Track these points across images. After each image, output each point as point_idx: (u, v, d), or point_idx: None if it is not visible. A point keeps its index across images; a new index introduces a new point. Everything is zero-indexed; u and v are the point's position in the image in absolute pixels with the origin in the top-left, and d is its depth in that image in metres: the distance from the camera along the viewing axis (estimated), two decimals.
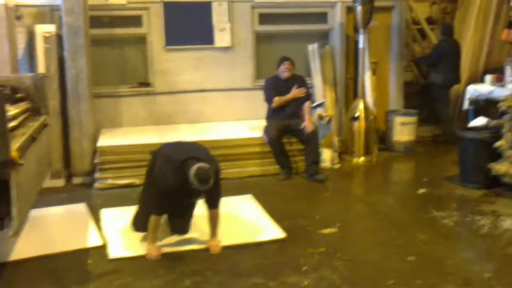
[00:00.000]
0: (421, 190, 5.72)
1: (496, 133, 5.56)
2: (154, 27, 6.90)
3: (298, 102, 6.33)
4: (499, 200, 5.32)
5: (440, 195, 5.58)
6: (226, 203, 5.08)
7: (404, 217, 5.04)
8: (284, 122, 6.24)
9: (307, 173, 6.17)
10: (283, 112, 6.30)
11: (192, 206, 4.40)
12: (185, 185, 3.75)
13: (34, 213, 4.58)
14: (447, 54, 7.58)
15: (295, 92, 6.29)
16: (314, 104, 7.14)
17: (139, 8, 6.83)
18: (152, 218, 4.03)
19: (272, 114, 6.35)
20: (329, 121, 6.88)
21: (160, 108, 7.01)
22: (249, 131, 6.59)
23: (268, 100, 6.34)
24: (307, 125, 6.15)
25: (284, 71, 6.34)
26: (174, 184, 3.82)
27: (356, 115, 6.94)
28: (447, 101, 7.80)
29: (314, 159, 6.18)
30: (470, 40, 8.33)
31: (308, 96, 6.46)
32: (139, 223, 4.31)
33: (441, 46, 7.75)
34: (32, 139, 3.90)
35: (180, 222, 4.40)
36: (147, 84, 7.02)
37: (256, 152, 6.30)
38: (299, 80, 6.46)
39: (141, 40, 6.97)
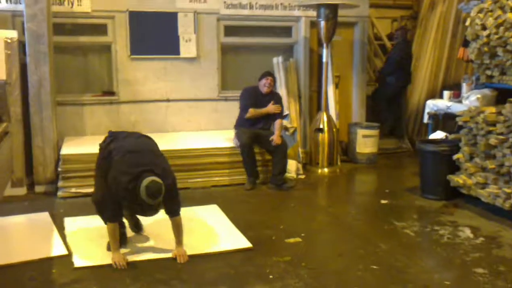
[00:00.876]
0: (383, 201, 5.85)
1: (454, 146, 5.77)
2: (119, 36, 6.85)
3: (270, 118, 6.42)
4: (457, 211, 5.49)
5: (401, 206, 5.71)
6: (192, 213, 5.10)
7: (367, 227, 5.15)
8: (255, 131, 6.31)
9: (274, 183, 6.24)
10: (254, 124, 6.36)
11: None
12: (137, 200, 3.70)
13: None
14: (404, 58, 8.05)
15: (271, 107, 6.38)
16: None
17: (104, 17, 6.78)
18: (109, 226, 3.99)
19: (243, 123, 6.39)
20: (294, 132, 6.98)
21: (124, 117, 6.94)
22: (214, 141, 6.60)
23: (243, 108, 6.39)
24: (276, 139, 6.21)
25: (265, 86, 6.39)
26: (127, 198, 3.78)
27: (320, 127, 7.05)
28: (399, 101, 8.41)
29: (281, 169, 6.26)
30: (429, 57, 8.62)
31: (281, 114, 6.54)
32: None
33: (396, 51, 8.15)
34: None
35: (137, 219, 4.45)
36: (111, 93, 6.95)
37: (221, 162, 6.31)
38: (277, 97, 6.56)
39: (106, 49, 6.92)
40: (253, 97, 6.40)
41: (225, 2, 7.24)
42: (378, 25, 9.51)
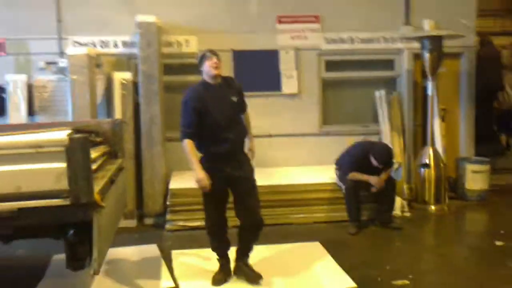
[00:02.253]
0: (498, 243, 5.44)
1: None
2: (223, 74, 7.07)
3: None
4: None
5: None
6: (294, 250, 5.06)
7: (480, 270, 4.79)
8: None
9: (380, 221, 6.03)
10: (361, 168, 5.95)
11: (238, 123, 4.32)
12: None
13: (109, 252, 4.70)
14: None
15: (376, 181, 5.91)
16: None
17: None
18: (186, 141, 4.16)
19: (350, 166, 6.03)
20: (398, 168, 6.76)
21: None
22: (316, 176, 6.56)
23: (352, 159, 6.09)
24: (378, 183, 5.87)
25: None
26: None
27: (426, 162, 6.78)
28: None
29: (389, 206, 6.05)
30: None
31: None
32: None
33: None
34: (111, 181, 4.05)
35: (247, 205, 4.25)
36: None
37: (324, 198, 6.24)
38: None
39: None
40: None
41: (325, 38, 7.29)
42: None
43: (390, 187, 6.03)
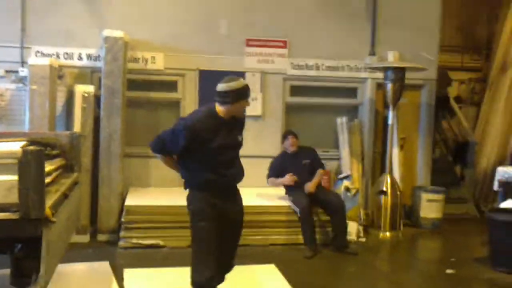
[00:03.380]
0: (449, 271, 5.56)
1: None
2: (188, 93, 7.12)
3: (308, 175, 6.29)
4: None
5: (469, 278, 5.40)
6: (249, 272, 5.04)
7: None
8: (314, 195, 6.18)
9: (335, 245, 6.08)
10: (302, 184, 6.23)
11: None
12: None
13: (58, 268, 4.57)
14: None
15: (287, 180, 6.25)
16: (341, 176, 7.18)
17: (175, 74, 7.10)
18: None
19: (268, 173, 6.43)
20: (356, 193, 6.86)
21: None
22: (274, 198, 6.57)
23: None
24: (308, 187, 6.11)
25: (290, 146, 6.38)
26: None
27: (383, 189, 6.90)
28: None
29: (342, 230, 6.11)
30: (498, 122, 8.35)
31: (322, 165, 6.45)
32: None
33: None
34: (65, 196, 3.97)
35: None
36: None
37: (281, 220, 6.25)
38: (308, 152, 6.48)
39: (175, 104, 7.18)
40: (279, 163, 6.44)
41: (292, 63, 7.40)
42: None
43: (341, 211, 6.12)
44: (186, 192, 3.87)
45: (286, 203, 6.36)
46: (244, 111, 3.89)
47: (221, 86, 3.63)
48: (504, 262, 5.54)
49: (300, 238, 6.13)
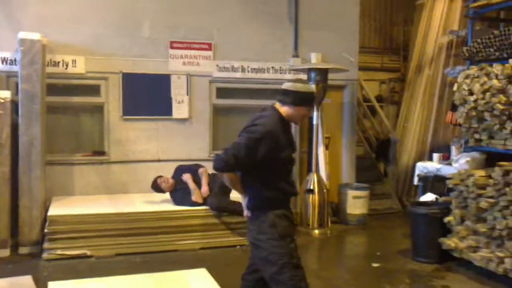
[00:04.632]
0: (375, 265, 5.77)
1: (445, 209, 5.76)
2: (111, 97, 6.94)
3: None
4: (450, 275, 5.42)
5: (393, 270, 5.62)
6: (179, 278, 4.97)
7: None
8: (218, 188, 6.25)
9: None
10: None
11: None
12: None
13: None
14: None
15: (185, 178, 6.37)
16: None
17: (97, 78, 6.89)
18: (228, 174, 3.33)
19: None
20: None
21: (114, 177, 6.92)
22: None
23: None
24: (204, 189, 6.25)
25: (168, 188, 6.41)
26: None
27: (310, 188, 7.04)
28: None
29: None
30: (417, 119, 8.76)
31: (198, 165, 6.56)
32: None
33: None
34: None
35: None
36: (101, 153, 6.95)
37: (210, 223, 6.22)
38: (179, 173, 6.52)
39: (98, 109, 6.98)
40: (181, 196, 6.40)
41: (218, 65, 7.40)
42: (366, 87, 9.73)
43: None
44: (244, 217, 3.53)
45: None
46: (301, 120, 3.58)
47: (286, 85, 3.47)
48: (424, 253, 5.82)
49: (232, 240, 6.14)
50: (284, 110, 3.41)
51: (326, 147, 7.74)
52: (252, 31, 7.53)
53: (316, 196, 7.03)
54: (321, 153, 7.51)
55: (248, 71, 7.57)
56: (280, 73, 7.69)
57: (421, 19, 9.14)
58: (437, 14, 8.82)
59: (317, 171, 7.24)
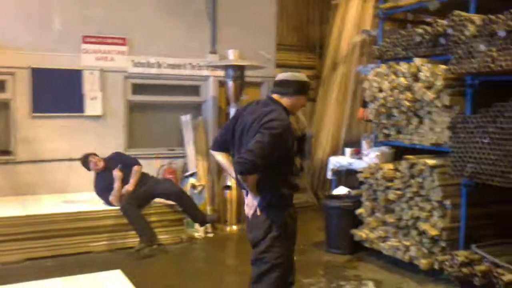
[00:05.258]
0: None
1: (357, 201, 6.00)
2: (19, 93, 6.58)
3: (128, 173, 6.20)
4: (361, 265, 5.65)
5: (308, 262, 5.76)
6: (92, 281, 4.81)
7: None
8: (141, 192, 6.14)
9: (197, 221, 6.30)
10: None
11: None
12: None
13: None
14: None
15: (116, 175, 6.09)
16: (187, 174, 7.20)
17: (3, 73, 6.50)
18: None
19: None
20: (202, 190, 6.94)
21: (21, 178, 6.55)
22: None
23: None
24: (127, 187, 6.07)
25: (96, 165, 6.21)
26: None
27: (228, 184, 7.06)
28: None
29: (192, 207, 6.25)
30: (331, 115, 9.03)
31: (135, 162, 6.31)
32: None
33: None
34: None
35: None
36: (7, 152, 6.57)
37: (126, 223, 6.06)
38: (115, 159, 6.34)
39: (4, 106, 6.59)
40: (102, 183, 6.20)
41: (132, 61, 7.22)
42: None
43: (183, 194, 6.28)
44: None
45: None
46: (299, 110, 3.56)
47: (285, 75, 3.44)
48: (337, 244, 6.03)
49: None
50: (285, 101, 3.39)
51: None
52: (169, 27, 7.41)
53: (234, 192, 7.06)
54: None
55: (165, 67, 7.44)
56: (198, 69, 7.64)
57: (336, 18, 9.42)
58: (351, 14, 9.13)
59: None
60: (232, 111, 7.24)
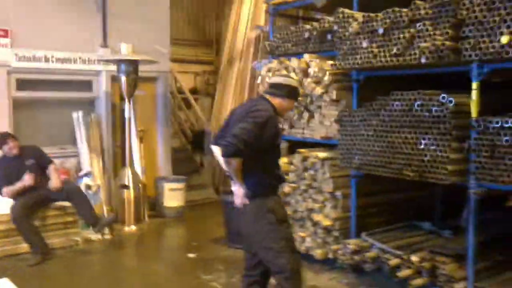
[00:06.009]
0: (191, 255, 5.86)
1: None
2: None
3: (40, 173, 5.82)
4: None
5: (209, 258, 5.76)
6: None
7: (176, 284, 5.10)
8: (35, 196, 5.72)
9: (90, 223, 5.97)
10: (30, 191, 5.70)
11: None
12: None
13: None
14: None
15: (27, 179, 5.64)
16: (81, 174, 6.91)
17: None
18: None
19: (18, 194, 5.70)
20: (97, 190, 6.69)
21: None
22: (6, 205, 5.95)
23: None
24: (54, 184, 5.75)
25: (11, 150, 5.71)
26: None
27: (125, 183, 6.87)
28: None
29: (86, 207, 5.91)
30: (229, 111, 9.07)
31: (50, 161, 5.98)
32: None
33: None
34: None
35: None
36: None
37: (14, 229, 5.69)
38: (31, 152, 5.90)
39: None
40: (3, 169, 5.74)
41: (16, 54, 6.76)
42: (181, 79, 9.79)
43: (78, 193, 5.98)
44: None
45: None
46: (286, 112, 4.08)
47: (279, 79, 3.74)
48: (237, 239, 6.05)
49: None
50: (276, 102, 3.61)
51: (141, 140, 7.62)
52: (56, 18, 7.01)
53: (132, 191, 6.88)
54: (135, 146, 7.38)
55: (53, 61, 7.04)
56: (89, 63, 7.32)
57: (231, 13, 9.46)
58: (246, 9, 9.21)
59: (132, 165, 7.09)
60: (127, 107, 7.04)
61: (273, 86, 3.68)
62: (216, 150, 3.60)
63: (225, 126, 3.66)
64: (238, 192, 3.55)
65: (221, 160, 3.48)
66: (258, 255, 3.62)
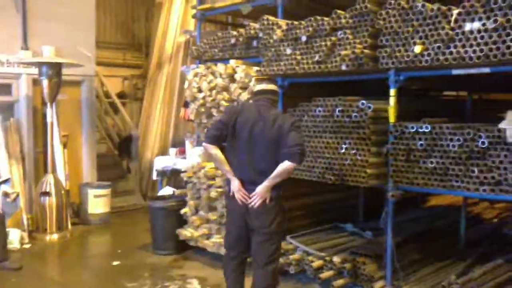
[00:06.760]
0: (115, 262, 5.73)
1: (181, 201, 6.03)
2: None
3: None
4: (187, 264, 5.70)
5: (133, 265, 5.66)
6: None
7: None
8: None
9: None
10: None
11: None
12: None
13: None
14: None
15: None
16: None
17: None
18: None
19: None
20: (16, 198, 6.40)
21: None
22: None
23: None
24: None
25: None
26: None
27: (46, 190, 6.60)
28: None
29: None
30: (158, 116, 8.98)
31: None
32: None
33: None
34: None
35: None
36: None
37: None
38: None
39: None
40: None
41: None
42: (108, 83, 9.57)
43: None
44: None
45: None
46: None
47: (271, 86, 4.07)
48: (163, 245, 6.01)
49: None
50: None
51: (64, 146, 7.36)
52: None
53: (54, 199, 6.62)
54: (58, 152, 7.12)
55: None
56: (8, 66, 6.98)
57: (160, 17, 9.36)
58: (175, 13, 9.15)
59: (54, 171, 6.83)
60: (49, 112, 6.77)
61: (273, 92, 4.07)
62: (212, 150, 3.85)
63: (225, 126, 3.86)
64: (264, 194, 3.77)
65: (218, 158, 3.83)
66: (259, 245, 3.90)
